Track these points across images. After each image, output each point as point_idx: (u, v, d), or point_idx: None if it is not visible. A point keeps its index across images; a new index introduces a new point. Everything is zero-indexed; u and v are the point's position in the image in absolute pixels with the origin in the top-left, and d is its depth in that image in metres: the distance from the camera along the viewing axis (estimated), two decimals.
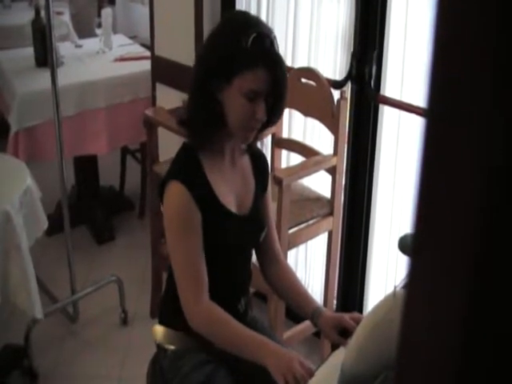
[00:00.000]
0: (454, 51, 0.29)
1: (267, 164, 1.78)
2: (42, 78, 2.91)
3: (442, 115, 0.30)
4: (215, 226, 1.58)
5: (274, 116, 1.59)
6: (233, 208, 1.63)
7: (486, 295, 0.29)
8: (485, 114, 0.28)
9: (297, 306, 1.71)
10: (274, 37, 1.53)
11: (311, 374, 1.38)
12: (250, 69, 1.48)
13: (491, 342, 0.29)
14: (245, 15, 1.62)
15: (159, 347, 1.71)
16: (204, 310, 1.53)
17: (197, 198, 1.53)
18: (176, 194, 1.53)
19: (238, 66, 1.49)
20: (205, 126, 1.56)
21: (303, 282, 2.91)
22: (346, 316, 1.56)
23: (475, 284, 0.29)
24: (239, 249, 1.67)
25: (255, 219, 1.69)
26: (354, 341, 1.13)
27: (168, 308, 1.72)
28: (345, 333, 1.53)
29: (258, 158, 1.75)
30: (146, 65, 3.32)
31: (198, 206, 1.53)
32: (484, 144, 0.27)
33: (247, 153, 1.71)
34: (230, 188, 1.64)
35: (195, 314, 1.54)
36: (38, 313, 2.28)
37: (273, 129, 2.74)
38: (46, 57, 2.93)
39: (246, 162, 1.71)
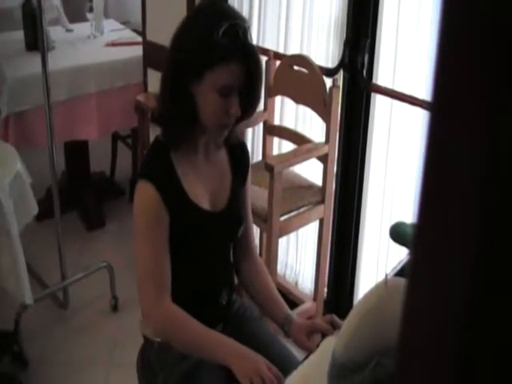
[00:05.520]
0: (460, 45, 0.29)
1: (247, 154, 1.72)
2: (33, 62, 2.89)
3: (446, 108, 0.30)
4: (187, 224, 1.55)
5: (248, 109, 1.53)
6: (206, 205, 1.59)
7: (488, 286, 0.29)
8: (490, 107, 0.28)
9: (267, 310, 1.70)
10: (248, 26, 1.46)
11: (279, 379, 1.35)
12: (222, 63, 1.43)
13: (494, 335, 0.29)
14: (215, 6, 1.54)
15: (146, 339, 1.71)
16: (163, 310, 1.50)
17: (166, 197, 1.49)
18: (144, 194, 1.50)
19: (209, 60, 1.43)
20: (178, 123, 1.52)
21: (294, 270, 2.92)
22: (318, 319, 1.56)
23: (478, 275, 0.29)
24: (215, 245, 1.65)
25: (231, 214, 1.66)
26: (345, 327, 1.14)
27: None
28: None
29: (236, 149, 1.69)
30: (138, 50, 3.30)
31: (167, 206, 1.50)
32: (488, 136, 0.27)
33: (224, 146, 1.65)
34: (204, 184, 1.60)
35: (152, 313, 1.51)
36: (28, 298, 2.27)
37: (265, 115, 2.74)
38: (36, 41, 2.91)
39: (222, 155, 1.66)
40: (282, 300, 1.69)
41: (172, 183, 1.54)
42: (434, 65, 0.30)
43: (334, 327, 1.51)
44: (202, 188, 1.60)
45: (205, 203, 1.60)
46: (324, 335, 1.54)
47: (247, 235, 1.75)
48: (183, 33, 1.51)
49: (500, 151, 0.27)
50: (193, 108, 1.49)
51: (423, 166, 0.30)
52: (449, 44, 0.31)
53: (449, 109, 0.30)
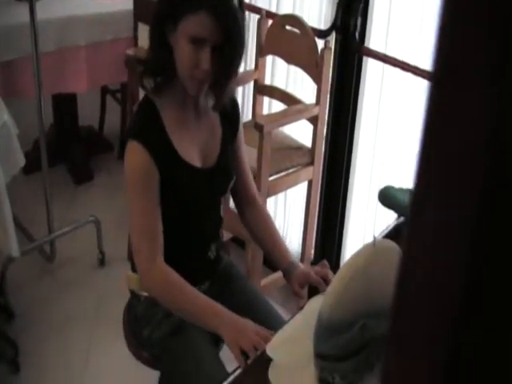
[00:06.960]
0: (465, 13, 0.29)
1: (238, 108, 1.72)
2: (20, 11, 2.83)
3: (448, 77, 0.30)
4: (178, 183, 1.56)
5: (227, 68, 1.50)
6: (197, 162, 1.60)
7: (486, 257, 0.29)
8: (490, 78, 0.28)
9: (271, 255, 1.71)
10: None
11: (268, 340, 1.37)
12: (192, 13, 1.43)
13: (492, 302, 0.30)
14: None
15: (133, 294, 1.72)
16: (158, 271, 1.51)
17: (156, 157, 1.49)
18: (134, 154, 1.50)
19: (182, 9, 1.44)
20: (158, 72, 1.54)
21: (281, 231, 2.93)
22: (312, 272, 1.58)
23: (477, 244, 0.29)
24: (205, 200, 1.66)
25: (222, 170, 1.66)
26: (331, 289, 1.15)
27: None
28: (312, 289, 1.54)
29: (226, 105, 1.67)
30: (128, 4, 3.24)
31: (157, 165, 1.50)
32: (489, 104, 0.28)
33: (214, 110, 1.63)
34: (194, 142, 1.60)
35: (149, 273, 1.52)
36: (15, 251, 2.27)
37: (255, 74, 2.71)
38: None
39: (212, 111, 1.66)
40: (285, 246, 1.70)
41: (162, 142, 1.54)
42: (437, 33, 0.30)
43: (326, 282, 1.53)
44: (193, 145, 1.60)
45: (195, 160, 1.60)
46: (310, 295, 1.56)
47: (247, 183, 1.76)
48: None
49: (501, 125, 0.27)
50: (171, 58, 1.50)
51: (422, 133, 0.31)
52: (453, 11, 0.31)
53: (451, 78, 0.30)
